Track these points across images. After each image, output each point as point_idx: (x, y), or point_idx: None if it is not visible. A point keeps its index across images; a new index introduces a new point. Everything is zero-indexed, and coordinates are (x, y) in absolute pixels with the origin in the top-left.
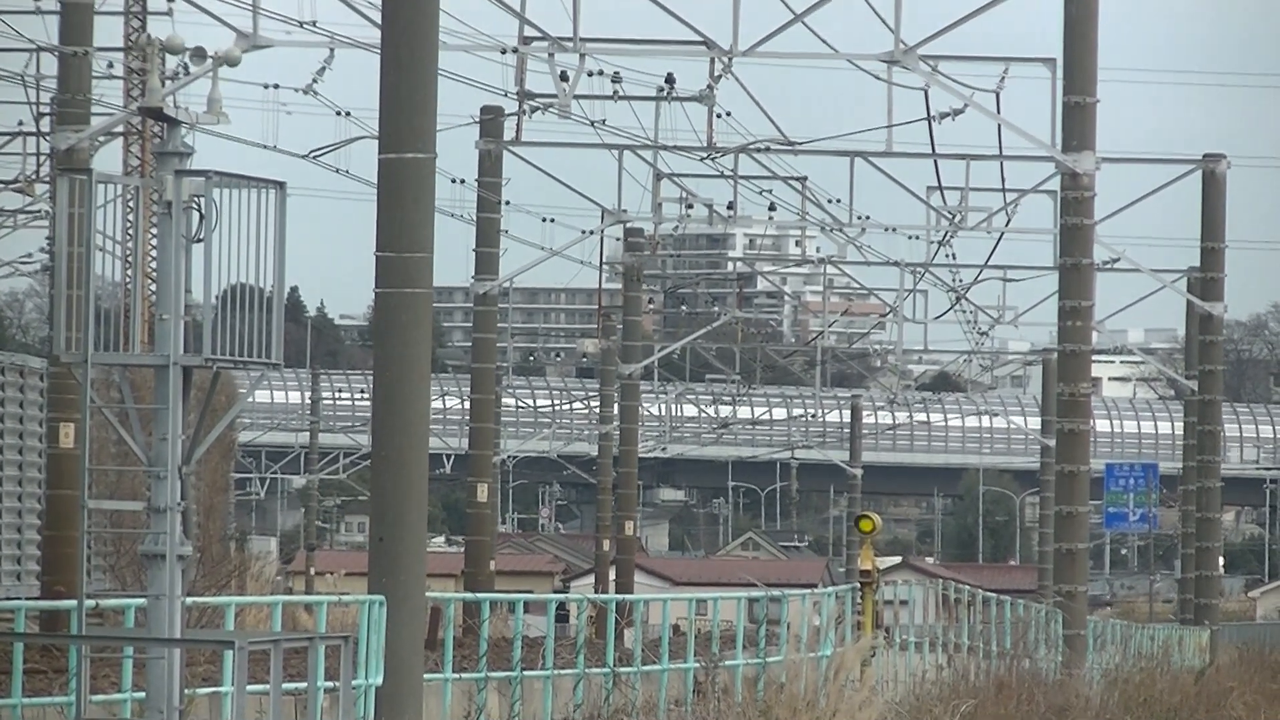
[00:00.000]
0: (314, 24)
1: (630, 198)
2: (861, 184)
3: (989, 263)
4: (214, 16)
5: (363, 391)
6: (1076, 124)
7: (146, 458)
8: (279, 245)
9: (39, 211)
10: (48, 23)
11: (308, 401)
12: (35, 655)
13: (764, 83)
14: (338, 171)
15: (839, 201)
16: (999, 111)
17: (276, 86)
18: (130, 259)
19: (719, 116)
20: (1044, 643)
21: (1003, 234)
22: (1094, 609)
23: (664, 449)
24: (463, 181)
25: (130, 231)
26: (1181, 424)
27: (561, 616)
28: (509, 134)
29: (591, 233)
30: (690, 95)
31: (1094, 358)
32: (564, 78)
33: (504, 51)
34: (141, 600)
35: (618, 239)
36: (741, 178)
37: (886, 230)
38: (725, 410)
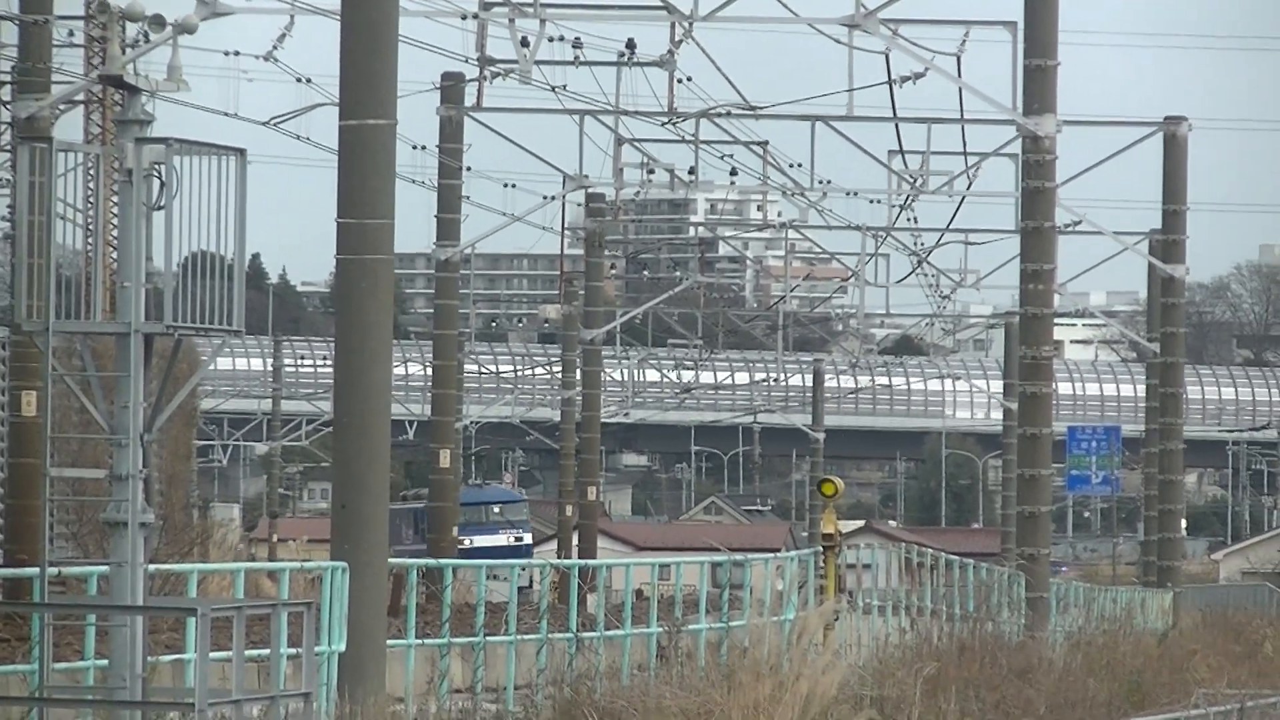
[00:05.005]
0: None
1: (591, 163)
2: (823, 148)
3: (950, 226)
4: None
5: (325, 358)
6: (1037, 87)
7: (108, 425)
8: (240, 212)
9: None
10: None
11: (270, 368)
12: None
13: (724, 47)
14: (298, 138)
15: (800, 166)
16: (960, 75)
17: (237, 53)
18: (91, 227)
19: (680, 81)
20: (1007, 606)
21: (964, 198)
22: (1053, 572)
23: (626, 414)
24: (424, 148)
25: (91, 199)
26: (1144, 386)
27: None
28: (470, 100)
29: (553, 198)
30: (651, 60)
31: (1056, 321)
32: (525, 43)
33: (464, 17)
34: (104, 568)
35: (579, 204)
36: (703, 143)
37: (848, 195)
38: (688, 375)
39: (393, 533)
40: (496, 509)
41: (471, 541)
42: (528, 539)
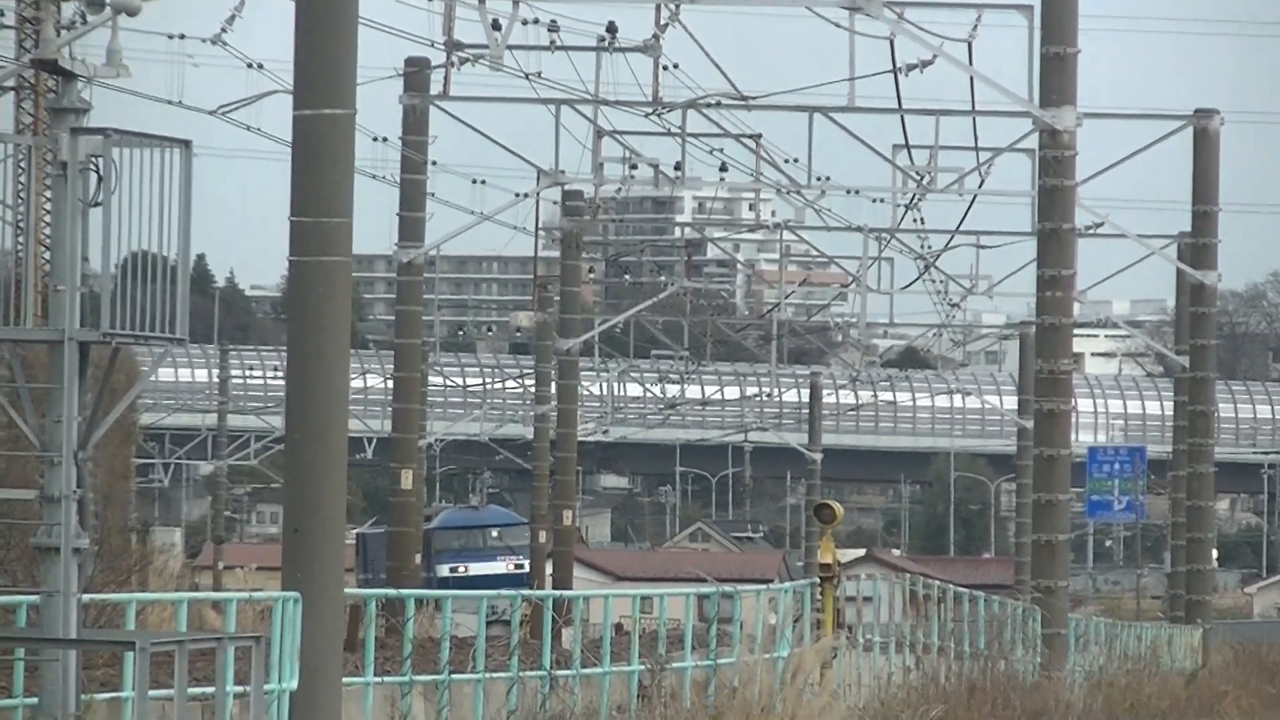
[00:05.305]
0: None
1: (569, 157)
2: (821, 142)
3: (961, 228)
4: None
5: (276, 369)
6: (1056, 77)
7: (39, 442)
8: (184, 209)
9: None
10: None
11: (216, 380)
12: None
13: (714, 32)
14: (248, 129)
15: (796, 161)
16: (971, 63)
17: (182, 36)
18: (22, 225)
19: (665, 69)
20: (1021, 642)
21: (976, 196)
22: (1075, 605)
23: (605, 431)
24: (385, 140)
25: (22, 195)
26: (1171, 404)
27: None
28: (436, 88)
29: (526, 195)
30: (634, 46)
31: (1076, 331)
32: (496, 26)
33: None
34: (34, 597)
35: (555, 202)
36: (690, 135)
37: (848, 192)
38: (673, 389)
39: (380, 560)
40: (495, 533)
41: (467, 569)
42: (525, 565)
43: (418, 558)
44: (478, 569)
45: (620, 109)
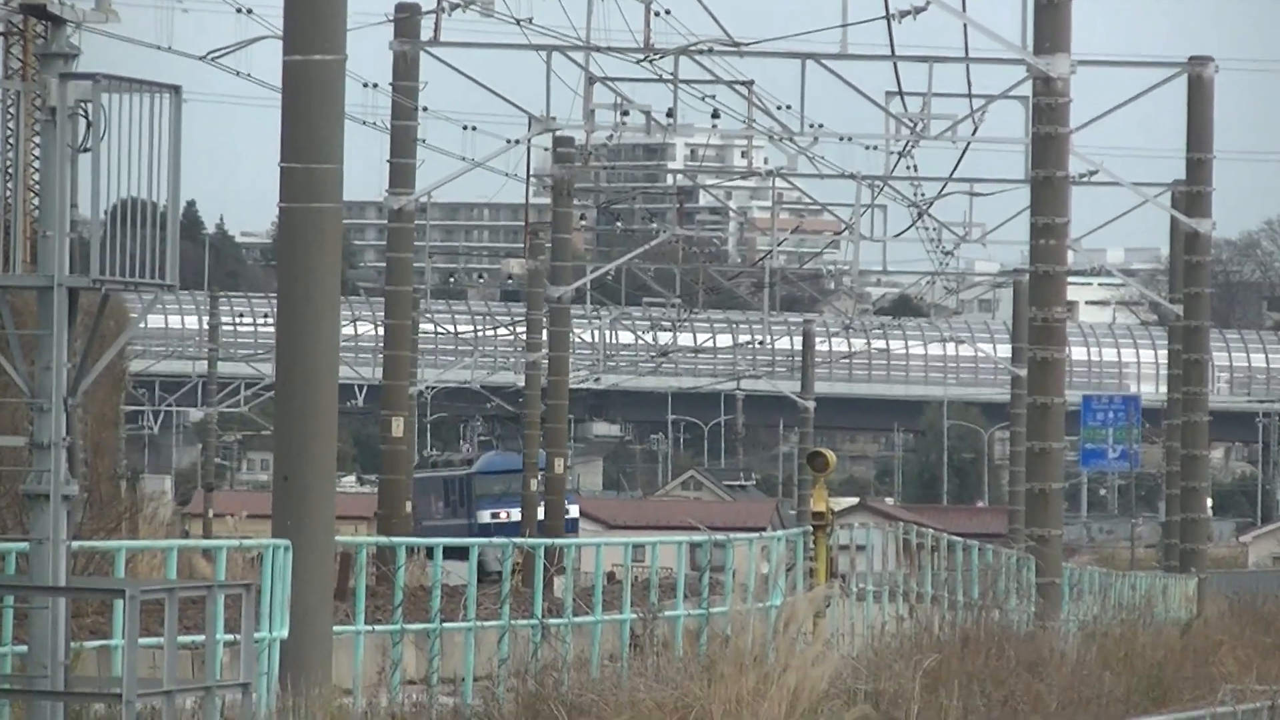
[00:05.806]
0: None
1: (560, 104)
2: (814, 89)
3: (954, 175)
4: None
5: (266, 316)
6: (1050, 23)
7: (29, 389)
8: (174, 155)
9: None
10: None
11: (205, 327)
12: None
13: None
14: (238, 75)
15: (789, 108)
16: (965, 9)
17: None
18: (10, 170)
19: (657, 15)
20: (1015, 592)
21: (969, 144)
22: (1069, 554)
23: (597, 379)
24: (375, 86)
25: (10, 140)
26: (1165, 352)
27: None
28: (426, 34)
29: (517, 142)
30: None
31: (1069, 279)
32: None
33: None
34: (23, 545)
35: (546, 149)
36: (682, 82)
37: (841, 140)
38: (665, 337)
39: (421, 505)
40: None
41: (509, 515)
42: (574, 511)
43: (409, 505)
44: (517, 515)
45: (612, 55)
